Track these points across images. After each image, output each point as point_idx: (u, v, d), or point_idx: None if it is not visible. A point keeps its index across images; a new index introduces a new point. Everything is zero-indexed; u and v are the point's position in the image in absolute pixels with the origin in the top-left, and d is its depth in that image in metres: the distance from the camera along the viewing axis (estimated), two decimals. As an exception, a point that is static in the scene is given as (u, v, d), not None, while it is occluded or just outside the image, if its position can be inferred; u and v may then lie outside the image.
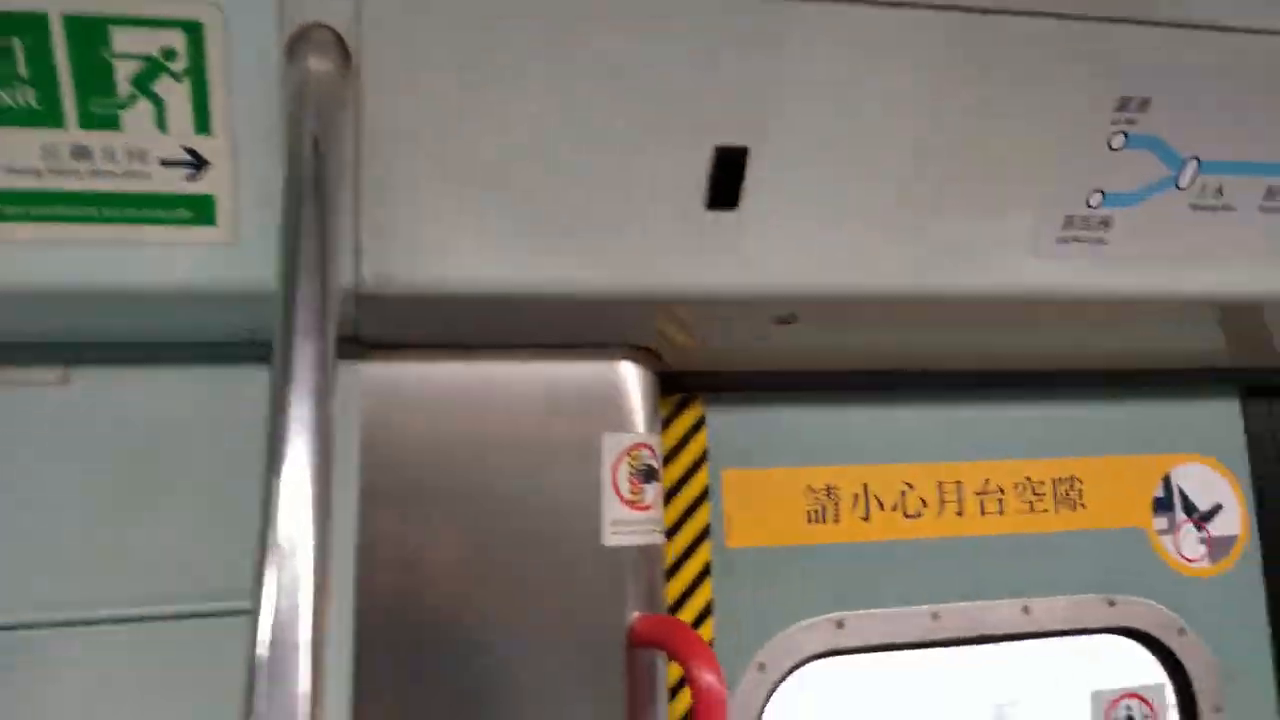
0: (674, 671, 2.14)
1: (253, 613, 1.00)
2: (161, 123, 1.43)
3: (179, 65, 1.40)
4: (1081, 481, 2.64)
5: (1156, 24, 1.78)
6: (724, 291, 1.77)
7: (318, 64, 1.35)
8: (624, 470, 1.96)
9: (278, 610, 0.99)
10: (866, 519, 2.45)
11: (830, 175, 1.73)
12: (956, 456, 2.54)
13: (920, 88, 1.70)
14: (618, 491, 1.95)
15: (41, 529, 1.76)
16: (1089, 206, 1.96)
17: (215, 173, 1.46)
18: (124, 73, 1.40)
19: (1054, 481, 2.61)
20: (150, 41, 1.39)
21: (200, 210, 1.48)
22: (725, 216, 1.70)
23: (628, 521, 1.96)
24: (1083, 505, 2.63)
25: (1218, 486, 2.76)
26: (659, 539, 2.04)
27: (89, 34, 1.38)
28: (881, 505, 2.46)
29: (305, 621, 1.00)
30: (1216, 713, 2.62)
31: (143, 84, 1.41)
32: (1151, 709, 2.61)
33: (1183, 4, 1.76)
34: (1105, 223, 1.98)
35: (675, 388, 2.30)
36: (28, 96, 1.39)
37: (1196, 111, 1.94)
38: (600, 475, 1.95)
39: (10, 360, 1.79)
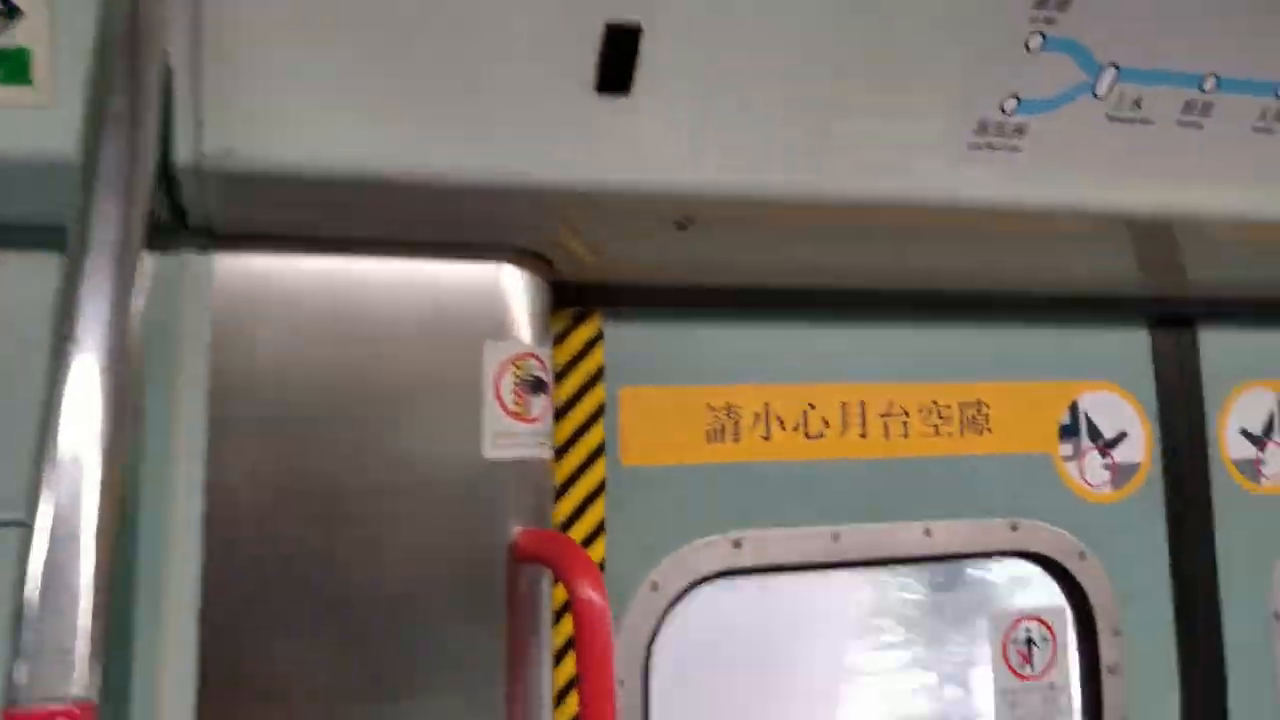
0: (563, 594, 2.05)
1: (26, 527, 0.88)
2: (-33, -34, 1.26)
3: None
4: (988, 406, 2.59)
5: None
6: (615, 186, 1.65)
7: None
8: (508, 380, 1.85)
9: (54, 529, 0.86)
10: (767, 439, 2.37)
11: (728, 63, 1.61)
12: (861, 377, 2.47)
13: None
14: (501, 402, 1.84)
15: None
16: (1003, 112, 1.86)
17: (30, 23, 1.29)
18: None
19: (960, 405, 2.56)
20: None
21: (12, 66, 1.30)
22: (617, 103, 1.57)
23: (511, 434, 1.85)
24: (989, 430, 2.58)
25: (1124, 414, 2.74)
26: (546, 454, 1.94)
27: None
28: (783, 425, 2.39)
29: (86, 546, 0.87)
30: (1115, 635, 2.62)
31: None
32: (1050, 632, 2.60)
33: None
34: (1020, 130, 1.89)
35: (571, 301, 2.18)
36: None
37: (1118, 16, 1.85)
38: (482, 385, 1.83)
39: None
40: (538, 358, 1.91)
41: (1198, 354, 2.82)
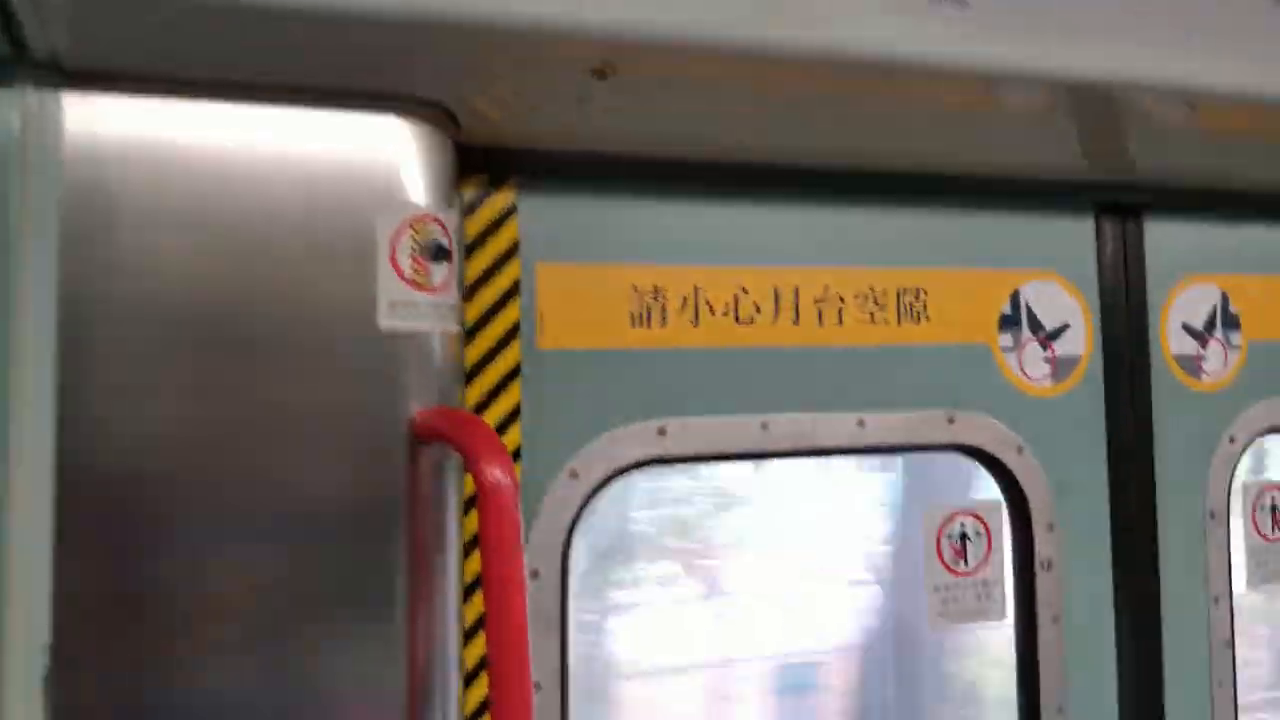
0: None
1: None
2: None
3: None
4: (927, 293, 2.48)
5: None
6: (523, 20, 1.48)
7: None
8: (406, 245, 1.69)
9: None
10: (695, 323, 2.24)
11: None
12: (795, 260, 2.34)
13: None
14: (397, 268, 1.69)
15: None
16: None
17: None
18: None
19: (898, 292, 2.45)
20: None
21: None
22: None
23: (410, 303, 1.70)
24: (927, 318, 2.48)
25: (1065, 305, 2.65)
26: (451, 328, 1.80)
27: None
28: (712, 310, 2.26)
29: None
30: (1050, 531, 2.55)
31: None
32: (985, 526, 2.53)
33: None
34: None
35: (482, 167, 2.02)
36: None
37: None
38: (376, 249, 1.68)
39: None
40: (440, 222, 1.75)
41: (1143, 245, 2.73)
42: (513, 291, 2.06)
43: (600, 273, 2.16)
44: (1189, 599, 2.72)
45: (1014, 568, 2.57)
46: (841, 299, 2.38)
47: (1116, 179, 2.67)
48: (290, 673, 1.65)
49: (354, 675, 1.69)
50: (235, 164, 1.60)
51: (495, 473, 1.61)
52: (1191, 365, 2.78)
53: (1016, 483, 2.54)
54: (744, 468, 2.34)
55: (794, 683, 3.53)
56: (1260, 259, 2.90)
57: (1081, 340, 2.65)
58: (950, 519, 2.51)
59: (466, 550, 1.90)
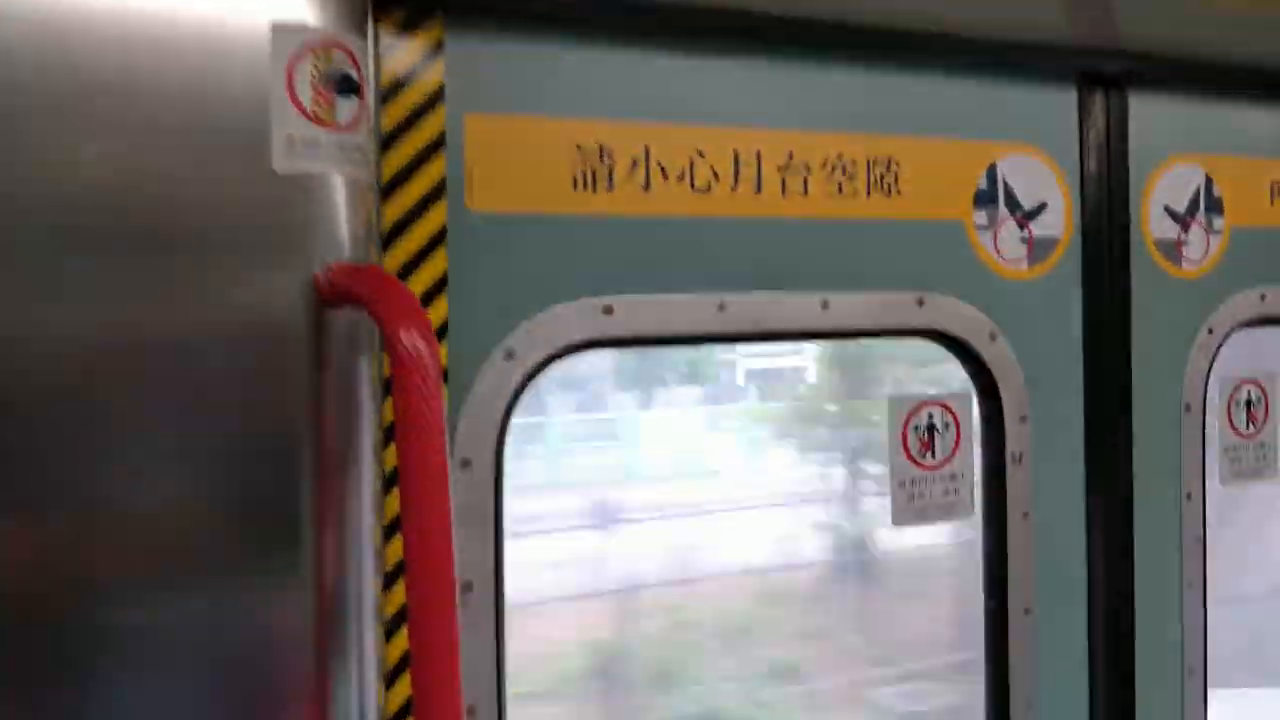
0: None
1: None
2: None
3: None
4: (899, 164, 2.26)
5: None
6: None
7: None
8: (305, 73, 1.44)
9: None
10: (646, 189, 2.01)
11: None
12: (758, 122, 2.11)
13: None
14: (295, 100, 1.43)
15: None
16: None
17: None
18: None
19: (868, 162, 2.23)
20: None
21: None
22: None
23: (311, 141, 1.45)
24: (898, 192, 2.27)
25: (1044, 182, 2.45)
26: (362, 175, 1.55)
27: None
28: (665, 174, 2.03)
29: None
30: (1022, 423, 2.39)
31: None
32: (955, 418, 2.36)
33: None
34: None
35: (398, 1, 1.76)
36: None
37: None
38: (270, 77, 1.42)
39: None
40: (346, 50, 1.49)
41: (1127, 120, 2.53)
42: (437, 144, 1.80)
43: (539, 127, 1.91)
44: (1161, 496, 2.59)
45: (983, 462, 2.41)
46: (807, 167, 2.16)
47: (1101, 45, 2.46)
48: (179, 591, 1.43)
49: (255, 593, 1.48)
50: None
51: (413, 340, 1.39)
52: (1172, 250, 2.61)
53: (988, 372, 2.36)
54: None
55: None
56: (1245, 140, 2.72)
57: (1060, 220, 2.46)
58: (917, 410, 2.33)
59: (386, 440, 1.68)
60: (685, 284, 2.04)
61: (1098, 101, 2.50)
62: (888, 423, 2.30)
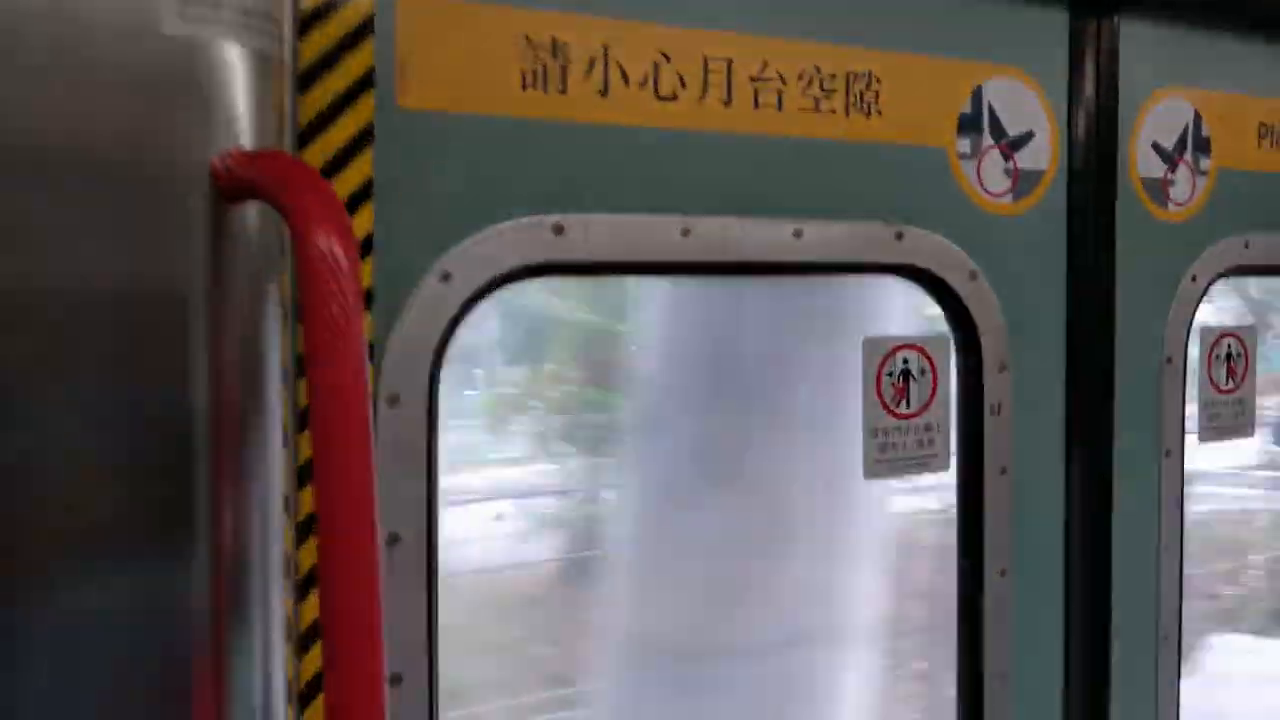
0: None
1: None
2: None
3: None
4: (880, 81, 2.05)
5: None
6: None
7: None
8: (201, -90, 1.17)
9: None
10: (604, 94, 1.77)
11: None
12: (729, 25, 1.88)
13: None
14: (188, -57, 1.17)
15: None
16: None
17: None
18: None
19: (848, 76, 2.01)
20: None
21: None
22: None
23: (210, 1, 1.19)
24: (878, 112, 2.06)
25: (1031, 109, 2.26)
26: (270, 49, 1.29)
27: None
28: (626, 79, 1.79)
29: None
30: (1001, 371, 2.21)
31: None
32: (931, 363, 2.17)
33: None
34: None
35: None
36: None
37: None
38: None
39: None
40: (253, -111, 1.23)
41: (1117, 47, 2.35)
42: (363, 30, 1.54)
43: (483, 14, 1.66)
44: (1141, 453, 2.43)
45: (960, 412, 2.22)
46: (782, 79, 1.94)
47: None
48: (54, 561, 1.18)
49: (143, 556, 1.23)
50: None
51: (329, 243, 1.14)
52: (1158, 191, 2.44)
53: (968, 315, 2.17)
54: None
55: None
56: (1235, 76, 2.56)
57: (1046, 152, 2.27)
58: (892, 353, 2.14)
59: (299, 371, 1.43)
60: (644, 204, 1.81)
61: (1089, 26, 2.32)
62: (861, 366, 2.10)
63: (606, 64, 1.76)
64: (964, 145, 2.16)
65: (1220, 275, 2.55)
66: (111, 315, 1.18)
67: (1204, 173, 2.51)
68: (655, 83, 1.81)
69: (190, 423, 1.27)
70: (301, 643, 1.49)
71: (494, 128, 1.68)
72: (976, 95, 2.17)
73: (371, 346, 1.57)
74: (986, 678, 2.23)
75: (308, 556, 1.46)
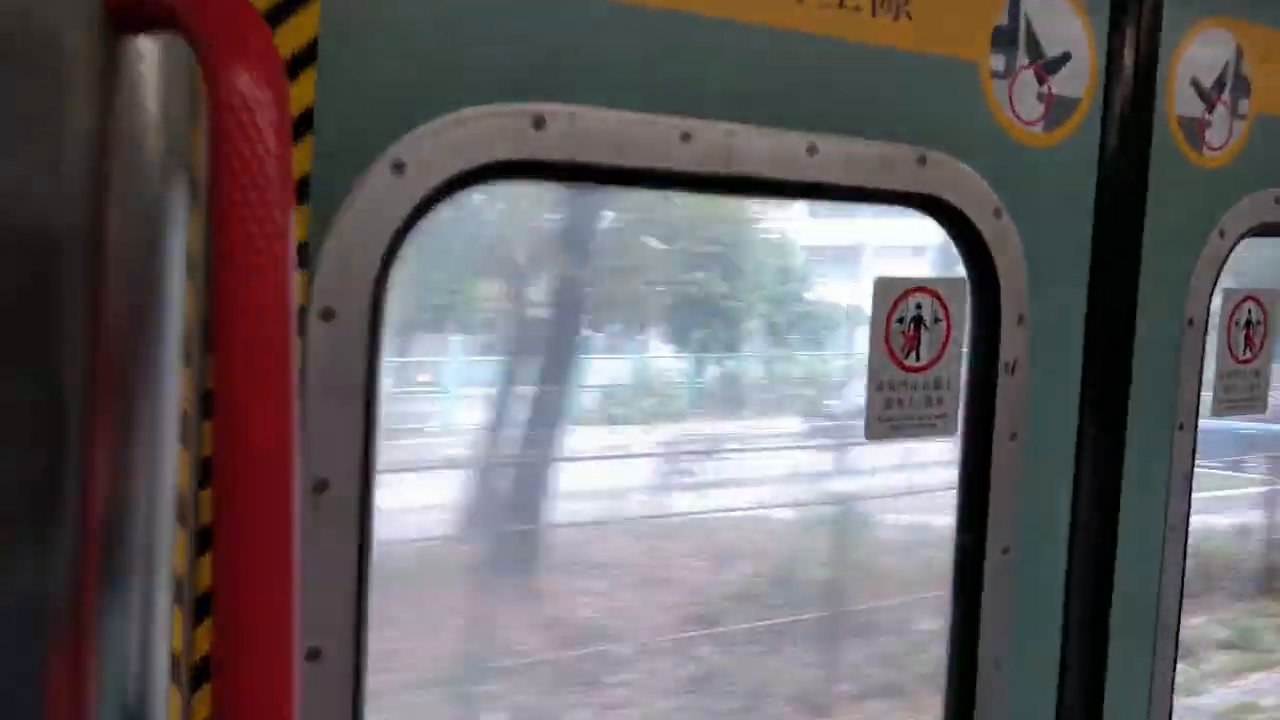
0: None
1: None
2: None
3: None
4: None
5: None
6: None
7: None
8: None
9: None
10: None
11: None
12: None
13: None
14: None
15: None
16: None
17: None
18: None
19: None
20: None
21: None
22: None
23: None
24: (908, 15, 1.78)
25: (1070, 28, 2.00)
26: None
27: None
28: None
29: None
30: (1019, 324, 1.96)
31: None
32: (945, 310, 1.91)
33: None
34: None
35: None
36: None
37: None
38: None
39: None
40: None
41: None
42: None
43: None
44: (1154, 425, 2.21)
45: (970, 370, 1.98)
46: None
47: None
48: None
49: None
50: None
51: (249, 84, 0.85)
52: (1194, 133, 2.20)
53: (989, 257, 1.92)
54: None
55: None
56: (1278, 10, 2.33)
57: (1083, 78, 2.01)
58: (904, 296, 1.88)
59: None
60: (642, 99, 1.52)
61: None
62: (871, 308, 1.84)
63: None
64: (997, 62, 1.90)
65: (1249, 232, 2.33)
66: None
67: (1241, 116, 2.27)
68: None
69: (59, 330, 0.98)
70: (198, 609, 1.19)
71: None
72: (1014, 6, 1.90)
73: (303, 247, 1.27)
74: (981, 664, 2.00)
75: (207, 507, 1.17)
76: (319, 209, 1.28)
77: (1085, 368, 2.09)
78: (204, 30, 0.85)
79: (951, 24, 1.83)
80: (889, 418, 1.87)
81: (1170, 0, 2.10)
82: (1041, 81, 1.95)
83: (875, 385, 1.85)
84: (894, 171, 1.78)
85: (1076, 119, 2.01)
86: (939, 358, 1.91)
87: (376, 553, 1.38)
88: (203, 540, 1.19)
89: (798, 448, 11.26)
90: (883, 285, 1.85)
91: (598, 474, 9.75)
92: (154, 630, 1.11)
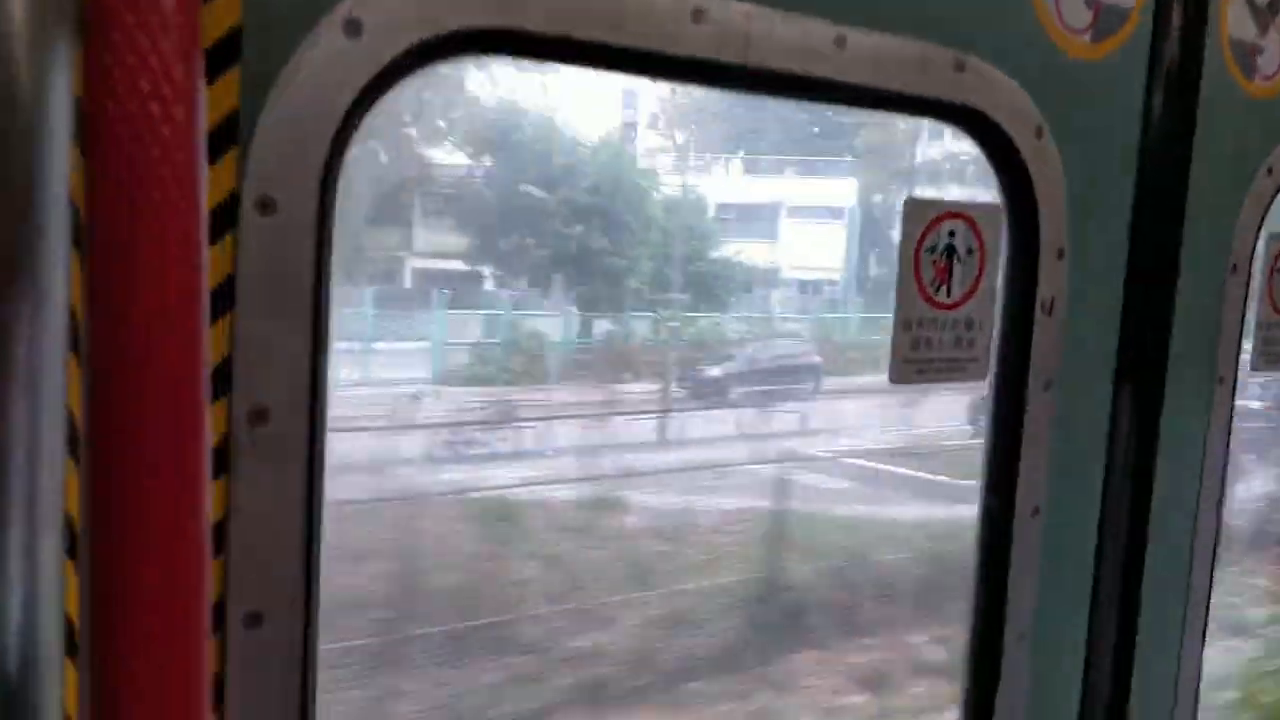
0: None
1: None
2: None
3: None
4: None
5: None
6: None
7: None
8: None
9: None
10: None
11: None
12: None
13: None
14: None
15: None
16: None
17: None
18: None
19: None
20: None
21: None
22: None
23: None
24: None
25: None
26: None
27: None
28: None
29: None
30: (1059, 259, 1.75)
31: None
32: (980, 240, 1.69)
33: None
34: None
35: None
36: None
37: None
38: None
39: None
40: None
41: None
42: None
43: None
44: (1192, 378, 2.01)
45: (1004, 310, 1.76)
46: None
47: None
48: None
49: None
50: None
51: None
52: (1245, 57, 1.99)
53: (1028, 182, 1.70)
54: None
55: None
56: None
57: None
58: (935, 223, 1.65)
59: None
60: None
61: None
62: (900, 233, 1.61)
63: None
64: None
65: None
66: None
67: None
68: None
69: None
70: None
71: None
72: None
73: (233, 119, 1.03)
74: (1007, 633, 1.80)
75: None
76: (253, 75, 1.04)
77: (1124, 312, 1.88)
78: None
79: None
80: (915, 359, 1.65)
81: None
82: (1091, -16, 1.73)
83: (902, 324, 1.63)
84: (928, 75, 1.55)
85: (1128, 29, 1.79)
86: (971, 293, 1.69)
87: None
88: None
89: (631, 414, 10.15)
90: (912, 207, 1.62)
91: (368, 446, 8.33)
92: (38, 591, 0.88)
